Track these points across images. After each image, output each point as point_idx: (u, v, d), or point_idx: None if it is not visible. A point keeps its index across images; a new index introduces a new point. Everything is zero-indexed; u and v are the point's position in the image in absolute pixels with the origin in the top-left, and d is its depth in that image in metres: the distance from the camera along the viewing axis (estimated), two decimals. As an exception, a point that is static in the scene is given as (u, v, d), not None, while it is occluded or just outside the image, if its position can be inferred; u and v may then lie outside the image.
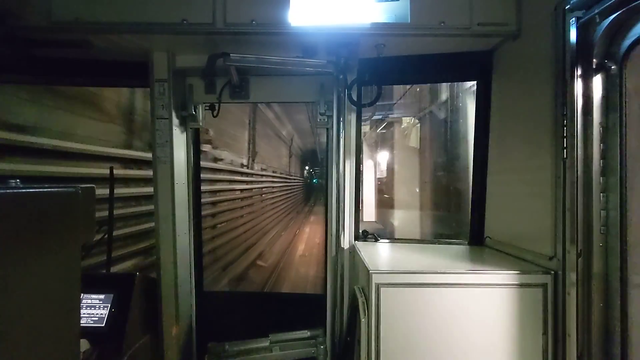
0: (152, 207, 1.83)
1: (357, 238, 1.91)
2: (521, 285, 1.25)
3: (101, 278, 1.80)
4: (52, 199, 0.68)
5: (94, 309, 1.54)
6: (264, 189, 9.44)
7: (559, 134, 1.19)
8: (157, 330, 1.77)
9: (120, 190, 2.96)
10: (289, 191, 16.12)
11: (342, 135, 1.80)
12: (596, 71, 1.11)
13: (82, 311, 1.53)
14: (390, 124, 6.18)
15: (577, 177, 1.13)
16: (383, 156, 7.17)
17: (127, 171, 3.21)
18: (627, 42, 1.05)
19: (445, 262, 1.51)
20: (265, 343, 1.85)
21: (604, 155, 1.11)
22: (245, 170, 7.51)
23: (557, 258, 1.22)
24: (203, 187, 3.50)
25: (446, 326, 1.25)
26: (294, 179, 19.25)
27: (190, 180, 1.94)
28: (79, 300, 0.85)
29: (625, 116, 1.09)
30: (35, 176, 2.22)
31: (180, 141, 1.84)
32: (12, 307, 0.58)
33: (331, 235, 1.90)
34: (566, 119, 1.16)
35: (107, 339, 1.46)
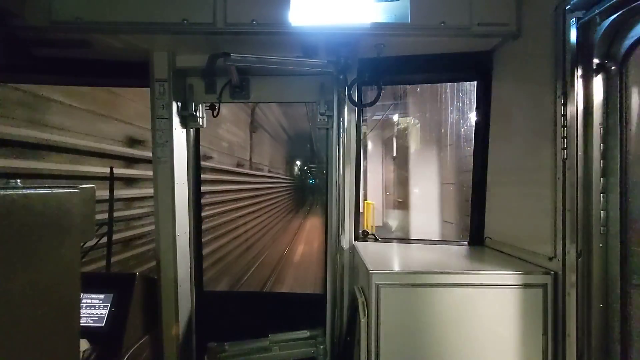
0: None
1: (357, 238, 1.91)
2: (521, 286, 1.25)
3: (101, 278, 1.80)
4: (52, 199, 0.68)
5: (94, 309, 1.54)
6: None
7: (559, 134, 1.19)
8: (157, 330, 1.77)
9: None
10: (260, 207, 9.10)
11: (342, 135, 1.80)
12: (596, 71, 1.11)
13: (82, 311, 1.53)
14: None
15: (577, 178, 1.13)
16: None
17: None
18: (628, 42, 1.05)
19: (445, 262, 1.51)
20: (264, 343, 1.85)
21: (604, 156, 1.11)
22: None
23: (557, 258, 1.22)
24: None
25: (446, 326, 1.25)
26: (269, 181, 11.06)
27: (190, 180, 1.94)
28: (79, 300, 0.85)
29: (625, 116, 1.09)
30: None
31: (180, 141, 1.84)
32: (12, 307, 0.58)
33: (331, 235, 1.90)
34: (566, 120, 1.16)
35: (107, 339, 1.46)
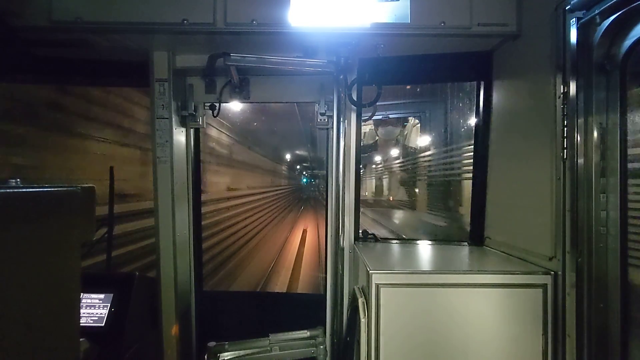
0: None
1: (357, 238, 1.91)
2: (521, 286, 1.25)
3: (101, 278, 1.80)
4: (52, 199, 0.68)
5: (93, 309, 1.54)
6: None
7: (559, 135, 1.19)
8: (157, 330, 1.77)
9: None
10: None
11: (342, 135, 1.80)
12: (596, 72, 1.11)
13: (82, 311, 1.53)
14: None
15: (577, 178, 1.13)
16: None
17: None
18: (628, 42, 1.05)
19: (445, 262, 1.51)
20: (265, 343, 1.85)
21: (603, 156, 1.11)
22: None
23: (557, 258, 1.22)
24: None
25: (446, 326, 1.25)
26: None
27: (190, 180, 1.94)
28: (79, 300, 0.85)
29: (625, 117, 1.08)
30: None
31: (180, 141, 1.84)
32: (12, 306, 0.58)
33: (331, 235, 1.90)
34: (566, 120, 1.16)
35: (107, 339, 1.46)
